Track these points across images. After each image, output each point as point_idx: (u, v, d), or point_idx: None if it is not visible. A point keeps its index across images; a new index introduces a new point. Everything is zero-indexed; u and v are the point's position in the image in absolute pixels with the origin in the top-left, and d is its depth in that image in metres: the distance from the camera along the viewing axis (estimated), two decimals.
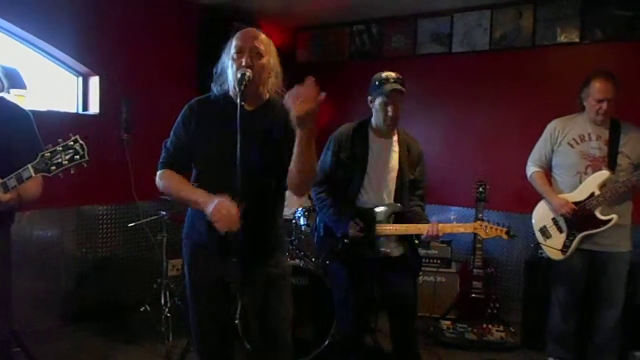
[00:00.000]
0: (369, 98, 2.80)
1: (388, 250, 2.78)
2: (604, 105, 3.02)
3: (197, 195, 1.98)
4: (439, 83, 4.73)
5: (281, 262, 2.19)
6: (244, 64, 1.96)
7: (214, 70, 2.11)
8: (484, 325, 3.76)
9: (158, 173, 2.12)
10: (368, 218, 2.75)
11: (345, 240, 2.74)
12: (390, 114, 2.71)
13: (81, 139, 2.03)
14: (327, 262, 3.00)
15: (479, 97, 4.56)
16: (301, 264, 3.34)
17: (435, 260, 4.27)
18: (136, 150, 4.16)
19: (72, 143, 2.02)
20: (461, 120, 4.66)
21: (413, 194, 2.86)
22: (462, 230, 2.85)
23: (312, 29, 5.41)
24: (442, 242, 4.27)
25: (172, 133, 2.13)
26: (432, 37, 4.76)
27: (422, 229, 2.69)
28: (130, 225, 3.86)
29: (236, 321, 2.08)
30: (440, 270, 4.24)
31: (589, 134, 3.13)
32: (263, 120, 2.05)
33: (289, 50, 5.44)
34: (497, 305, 3.85)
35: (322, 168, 2.78)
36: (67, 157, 2.01)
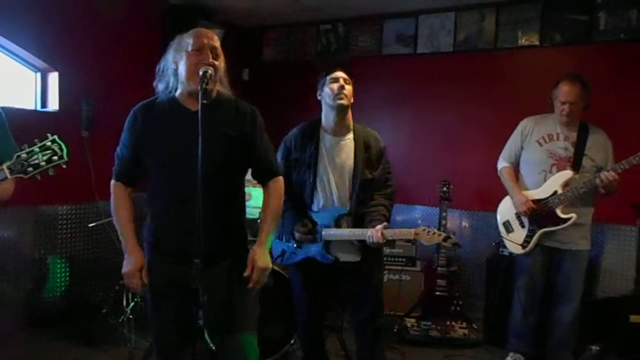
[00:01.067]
0: (318, 95, 2.73)
1: (346, 258, 2.64)
2: (566, 107, 3.12)
3: (126, 239, 2.08)
4: (404, 83, 4.78)
5: (245, 260, 2.13)
6: (207, 61, 1.95)
7: (157, 69, 2.07)
8: (448, 323, 3.82)
9: (112, 183, 2.14)
10: (319, 222, 2.65)
11: (295, 245, 2.66)
12: (338, 89, 2.60)
13: (59, 139, 1.95)
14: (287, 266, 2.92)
15: (443, 97, 4.63)
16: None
17: (400, 259, 4.31)
18: (98, 148, 4.05)
19: (49, 143, 1.92)
20: (426, 120, 4.73)
21: (379, 193, 2.70)
22: (404, 235, 2.61)
23: (279, 27, 5.39)
24: (407, 240, 4.31)
25: (121, 143, 2.10)
26: (398, 37, 4.81)
27: (362, 234, 2.55)
28: (91, 225, 3.76)
29: (199, 322, 2.05)
30: (405, 268, 4.28)
31: (557, 134, 3.23)
32: (213, 119, 1.99)
33: (255, 49, 5.41)
34: (461, 302, 3.92)
35: None
36: (45, 157, 1.91)
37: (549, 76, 3.31)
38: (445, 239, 2.55)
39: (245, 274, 2.03)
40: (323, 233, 2.64)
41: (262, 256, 2.06)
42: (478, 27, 4.46)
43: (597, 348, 3.57)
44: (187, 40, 2.00)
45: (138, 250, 2.06)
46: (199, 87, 1.88)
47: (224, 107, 2.06)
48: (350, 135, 2.69)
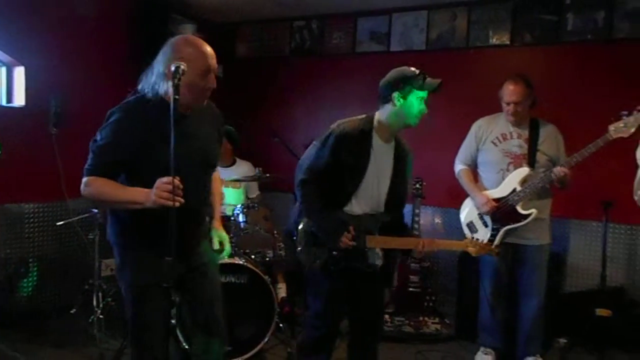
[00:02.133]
0: (394, 94, 2.43)
1: (377, 263, 2.50)
2: (511, 107, 3.20)
3: (133, 192, 1.96)
4: (378, 81, 4.77)
5: (209, 250, 2.38)
6: (213, 86, 2.06)
7: (150, 71, 2.04)
8: (421, 318, 3.86)
9: (85, 180, 2.03)
10: (358, 228, 2.44)
11: (334, 253, 2.43)
12: (426, 106, 2.44)
13: None
14: (311, 272, 2.59)
15: None
16: (241, 262, 3.31)
17: None
18: (67, 145, 3.96)
19: None
20: None
21: (402, 204, 2.63)
22: (454, 247, 2.66)
23: (252, 23, 5.35)
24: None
25: (105, 140, 2.01)
26: (371, 35, 4.82)
27: (414, 243, 2.47)
28: (59, 223, 3.68)
29: (172, 321, 2.05)
30: None
31: (511, 133, 3.29)
32: (199, 122, 2.15)
33: (228, 44, 5.36)
34: (434, 298, 3.97)
35: (314, 167, 2.47)
36: None
37: (526, 75, 3.34)
38: (495, 252, 2.59)
39: (215, 247, 2.38)
40: (370, 241, 2.45)
41: (224, 230, 2.51)
42: (450, 26, 4.50)
43: (565, 341, 3.68)
44: (193, 56, 1.97)
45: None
46: (172, 84, 1.86)
47: (202, 111, 2.17)
48: (393, 143, 2.56)
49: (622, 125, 2.87)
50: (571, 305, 3.79)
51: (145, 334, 2.13)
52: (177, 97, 1.84)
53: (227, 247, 2.50)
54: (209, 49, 2.04)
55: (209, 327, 2.27)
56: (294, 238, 2.59)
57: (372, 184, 2.49)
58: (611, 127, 2.90)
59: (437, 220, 4.62)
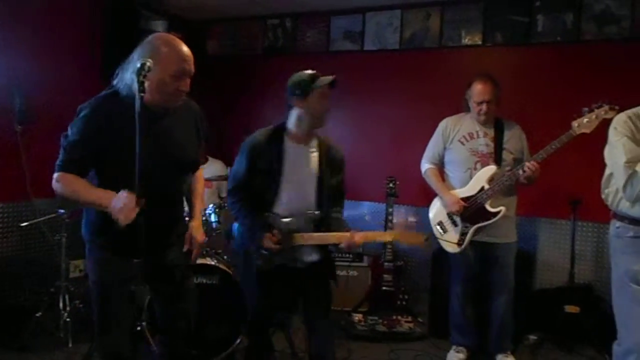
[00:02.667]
0: (293, 98, 2.53)
1: (310, 259, 2.62)
2: (484, 106, 3.23)
3: (99, 194, 1.97)
4: (352, 80, 4.78)
5: (182, 253, 2.31)
6: (186, 89, 2.03)
7: (126, 67, 2.00)
8: (394, 317, 3.87)
9: (56, 175, 2.01)
10: (285, 228, 2.57)
11: (264, 252, 2.55)
12: (327, 108, 2.54)
13: None
14: (245, 273, 2.78)
15: (390, 94, 4.68)
16: (212, 262, 3.26)
17: (347, 255, 4.32)
18: (33, 143, 3.84)
19: None
20: (373, 117, 4.76)
21: (335, 201, 2.70)
22: (382, 238, 2.68)
23: (224, 21, 5.28)
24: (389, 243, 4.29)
25: (74, 136, 1.99)
26: (345, 34, 4.81)
27: (340, 238, 2.53)
28: (23, 224, 3.56)
29: (143, 323, 2.05)
30: (353, 264, 4.31)
31: (477, 132, 3.32)
32: (176, 121, 2.13)
33: (199, 42, 5.29)
34: (407, 296, 3.98)
35: (235, 177, 2.65)
36: None
37: (492, 75, 3.38)
38: (423, 242, 2.58)
39: (185, 249, 2.25)
40: (298, 240, 2.56)
41: (199, 231, 2.33)
42: (424, 26, 4.53)
43: (535, 337, 3.74)
44: (167, 56, 1.95)
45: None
46: (137, 80, 1.82)
47: (180, 110, 2.15)
48: (315, 143, 2.65)
49: (584, 121, 2.92)
50: (541, 302, 3.85)
51: (108, 331, 2.15)
52: (142, 94, 1.80)
53: (196, 252, 2.33)
54: (186, 50, 2.01)
55: (173, 329, 2.28)
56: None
57: (293, 184, 2.59)
58: (574, 124, 2.95)
59: (411, 219, 4.64)
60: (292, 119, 2.59)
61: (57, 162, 2.02)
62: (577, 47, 4.03)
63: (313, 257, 2.64)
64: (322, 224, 2.62)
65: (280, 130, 2.63)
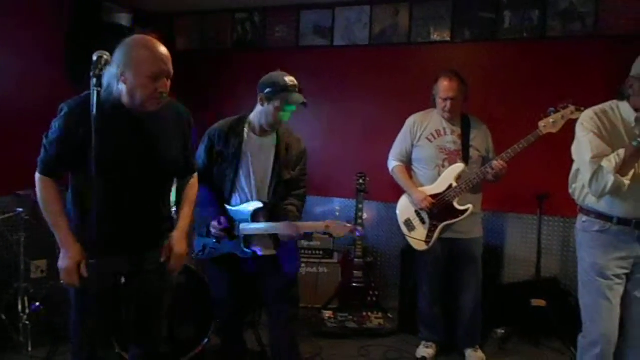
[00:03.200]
0: (261, 95, 2.59)
1: (256, 250, 2.65)
2: (448, 103, 3.24)
3: (61, 234, 2.01)
4: (322, 75, 4.76)
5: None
6: (164, 90, 1.98)
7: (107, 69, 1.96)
8: (364, 313, 3.86)
9: (38, 176, 2.05)
10: (236, 217, 2.65)
11: (214, 241, 2.64)
12: (283, 118, 2.62)
13: None
14: (208, 262, 2.86)
15: (360, 90, 4.66)
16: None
17: (317, 252, 4.31)
18: None
19: None
20: (343, 112, 4.74)
21: (290, 194, 2.77)
22: (315, 229, 2.72)
23: (192, 14, 5.18)
24: (325, 233, 4.30)
25: (53, 134, 2.00)
26: (315, 29, 4.77)
27: (278, 228, 2.60)
28: None
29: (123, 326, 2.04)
30: (323, 261, 4.29)
31: (444, 129, 3.33)
32: (158, 125, 2.09)
33: (166, 37, 5.17)
34: (377, 293, 3.98)
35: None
36: None
37: (461, 71, 3.40)
38: (351, 231, 2.63)
39: (162, 259, 2.14)
40: (240, 227, 2.63)
41: (179, 242, 2.19)
42: (393, 22, 4.52)
43: (503, 331, 3.78)
44: (143, 59, 1.92)
45: (75, 243, 2.00)
46: (92, 74, 1.76)
47: (164, 113, 2.10)
48: (274, 136, 2.71)
49: (551, 121, 2.96)
50: (508, 296, 3.89)
51: (80, 332, 2.10)
52: (98, 88, 1.76)
53: (173, 264, 2.20)
54: (162, 51, 1.98)
55: (139, 336, 2.22)
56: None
57: (250, 175, 2.66)
58: (541, 124, 2.99)
59: (381, 215, 4.64)
60: (255, 112, 2.68)
61: (39, 160, 2.04)
62: (543, 43, 4.07)
63: (267, 251, 2.67)
64: (274, 215, 2.66)
65: (242, 121, 2.71)
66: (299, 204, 2.78)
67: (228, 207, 2.67)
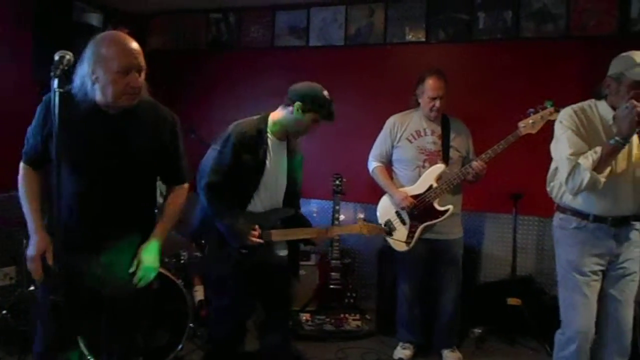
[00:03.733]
0: (297, 105, 2.50)
1: (282, 254, 2.65)
2: (437, 102, 3.23)
3: (31, 220, 2.00)
4: (297, 76, 4.62)
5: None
6: (135, 85, 1.93)
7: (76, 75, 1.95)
8: (342, 315, 3.84)
9: (21, 164, 2.09)
10: (263, 224, 2.57)
11: (243, 251, 2.52)
12: (305, 132, 2.61)
13: None
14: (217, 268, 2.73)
15: (336, 91, 4.51)
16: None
17: None
18: None
19: None
20: None
21: (298, 198, 2.80)
22: (348, 231, 2.88)
23: (165, 14, 5.10)
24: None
25: (33, 124, 2.05)
26: (290, 30, 4.75)
27: (315, 232, 2.64)
28: None
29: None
30: (300, 263, 4.24)
31: (425, 130, 3.32)
32: (132, 126, 2.03)
33: (139, 36, 5.08)
34: (354, 294, 3.96)
35: (217, 169, 2.51)
36: None
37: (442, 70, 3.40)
38: (386, 232, 2.78)
39: (131, 270, 2.06)
40: (273, 233, 2.58)
41: (150, 253, 2.10)
42: (368, 22, 4.51)
43: (479, 331, 3.79)
44: (111, 54, 1.88)
45: (43, 231, 1.98)
46: (54, 74, 1.70)
47: (143, 114, 2.05)
48: (286, 140, 2.68)
49: (530, 122, 2.97)
50: (485, 296, 3.91)
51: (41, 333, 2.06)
52: (60, 90, 1.70)
53: (140, 275, 2.07)
54: (131, 45, 1.93)
55: (112, 344, 2.15)
56: (202, 241, 2.71)
57: (272, 180, 2.61)
58: (520, 124, 3.00)
59: (358, 216, 4.61)
60: (283, 116, 2.58)
61: (23, 149, 2.08)
62: (517, 44, 4.11)
63: (283, 252, 2.67)
64: (289, 219, 2.65)
65: (264, 123, 2.60)
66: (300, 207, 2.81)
67: (257, 211, 2.58)
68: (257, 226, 2.52)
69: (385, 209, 3.41)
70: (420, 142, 3.32)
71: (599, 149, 2.31)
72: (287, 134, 2.62)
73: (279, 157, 2.62)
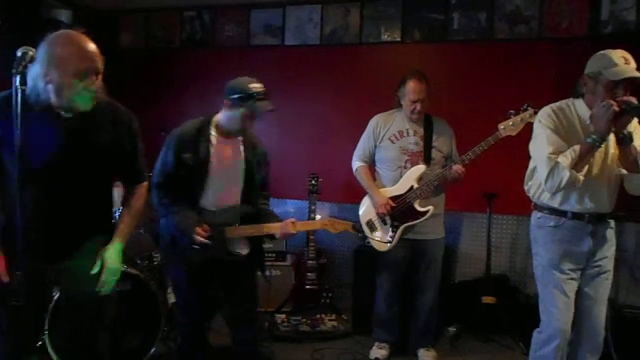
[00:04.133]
0: (227, 101, 2.53)
1: (239, 251, 2.66)
2: (418, 105, 3.22)
3: None
4: (273, 75, 4.62)
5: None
6: (92, 88, 1.87)
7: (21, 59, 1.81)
8: (317, 316, 3.82)
9: None
10: (215, 222, 2.59)
11: (195, 247, 2.55)
12: (251, 125, 2.58)
13: None
14: (171, 268, 2.83)
15: (311, 90, 4.63)
16: (122, 268, 3.05)
17: (270, 254, 4.23)
18: None
19: None
20: (295, 113, 4.68)
21: (262, 194, 2.77)
22: (312, 227, 2.82)
23: (137, 12, 5.01)
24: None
25: None
26: (265, 28, 4.71)
27: (275, 228, 2.61)
28: None
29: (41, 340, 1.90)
30: (276, 263, 4.22)
31: (407, 130, 3.32)
32: (88, 127, 1.97)
33: (110, 34, 4.99)
34: (330, 294, 3.94)
35: (163, 170, 2.61)
36: None
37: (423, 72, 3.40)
38: (353, 227, 2.70)
39: (93, 271, 1.99)
40: (227, 230, 2.60)
41: (113, 255, 2.05)
42: (344, 21, 4.51)
43: (454, 329, 3.81)
44: (67, 55, 1.81)
45: None
46: (16, 71, 1.65)
47: (100, 115, 1.99)
48: (241, 137, 2.67)
49: (510, 124, 2.97)
50: (460, 294, 3.94)
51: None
52: (23, 87, 1.65)
53: (105, 278, 2.02)
54: (90, 47, 1.86)
55: (79, 352, 2.09)
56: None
57: (221, 179, 2.61)
58: (500, 126, 3.00)
59: (335, 215, 4.61)
60: (222, 115, 2.61)
61: None
62: (491, 44, 4.15)
63: (243, 250, 2.66)
64: (250, 217, 2.65)
65: (208, 123, 2.62)
66: (268, 203, 2.81)
67: (204, 210, 2.60)
68: (205, 225, 2.53)
69: (367, 210, 3.40)
70: (403, 142, 3.32)
71: (577, 147, 2.32)
72: (231, 132, 2.60)
73: (227, 154, 2.62)
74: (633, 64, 2.30)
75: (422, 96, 3.21)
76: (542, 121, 2.48)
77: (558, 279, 2.48)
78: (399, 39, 4.37)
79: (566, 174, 2.30)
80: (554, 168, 2.34)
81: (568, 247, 2.47)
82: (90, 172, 2.00)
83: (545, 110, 2.51)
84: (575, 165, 2.31)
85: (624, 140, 2.33)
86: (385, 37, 4.40)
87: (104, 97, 2.01)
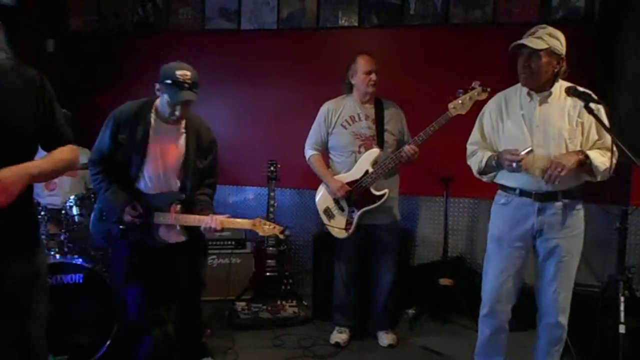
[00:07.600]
0: (157, 85, 2.50)
1: (166, 239, 2.62)
2: (373, 76, 3.23)
3: None
4: (229, 60, 4.61)
5: (37, 258, 1.91)
6: None
7: None
8: (279, 302, 3.81)
9: None
10: (147, 205, 2.57)
11: (121, 227, 2.54)
12: (177, 113, 2.50)
13: None
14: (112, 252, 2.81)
15: (269, 75, 4.56)
16: (75, 260, 2.96)
17: (229, 242, 4.19)
18: None
19: None
20: (252, 98, 4.62)
21: (202, 183, 2.72)
22: (239, 225, 2.69)
23: None
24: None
25: None
26: (221, 12, 4.60)
27: (201, 220, 2.54)
28: None
29: None
30: (235, 251, 4.19)
31: (359, 115, 3.32)
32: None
33: (60, 17, 4.77)
34: (291, 281, 3.93)
35: (99, 148, 2.60)
36: None
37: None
38: (282, 232, 2.68)
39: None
40: (156, 216, 2.58)
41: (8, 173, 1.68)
42: (301, 6, 4.45)
43: (413, 311, 3.87)
44: None
45: None
46: None
47: (11, 77, 1.78)
48: (183, 123, 2.62)
49: (460, 102, 3.01)
50: (418, 277, 4.01)
51: None
52: None
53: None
54: None
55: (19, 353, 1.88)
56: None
57: (158, 163, 2.58)
58: (450, 105, 3.04)
59: (293, 202, 4.60)
60: (158, 100, 2.58)
61: None
62: (446, 29, 4.18)
63: (174, 237, 2.63)
64: (186, 205, 2.62)
65: (149, 105, 2.59)
66: (211, 192, 2.76)
67: (145, 193, 2.58)
68: (136, 204, 2.53)
69: (323, 198, 3.39)
70: (355, 127, 3.31)
71: (487, 155, 2.53)
72: (165, 117, 2.56)
73: (166, 140, 2.59)
74: None
75: (375, 67, 3.23)
76: (484, 108, 2.66)
77: (497, 254, 2.58)
78: (356, 24, 4.35)
79: (474, 169, 2.62)
80: (469, 157, 2.66)
81: (513, 223, 2.54)
82: (2, 147, 1.75)
83: (494, 98, 2.65)
84: (482, 170, 2.61)
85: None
86: (342, 21, 4.37)
87: (5, 60, 1.80)
